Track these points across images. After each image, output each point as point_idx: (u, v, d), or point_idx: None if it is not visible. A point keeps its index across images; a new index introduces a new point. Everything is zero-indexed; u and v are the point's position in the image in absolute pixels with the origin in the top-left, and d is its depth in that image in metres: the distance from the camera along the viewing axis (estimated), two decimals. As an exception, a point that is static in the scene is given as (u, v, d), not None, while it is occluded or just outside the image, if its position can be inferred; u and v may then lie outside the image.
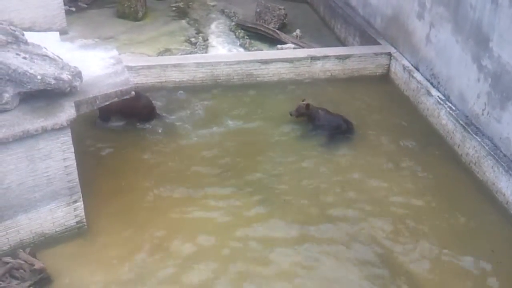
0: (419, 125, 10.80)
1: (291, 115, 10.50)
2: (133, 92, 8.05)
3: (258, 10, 15.47)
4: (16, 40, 7.36)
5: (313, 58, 12.20)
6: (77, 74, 7.38)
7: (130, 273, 7.26)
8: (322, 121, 10.34)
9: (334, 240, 7.92)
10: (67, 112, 7.04)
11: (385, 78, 12.54)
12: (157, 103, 10.84)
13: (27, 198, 7.10)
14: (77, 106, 7.30)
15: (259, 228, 8.09)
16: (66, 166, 7.23)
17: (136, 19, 15.23)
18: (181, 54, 13.09)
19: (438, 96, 10.62)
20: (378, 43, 12.87)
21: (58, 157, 7.11)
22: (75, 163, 7.30)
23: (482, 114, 9.41)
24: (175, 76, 11.59)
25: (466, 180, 9.24)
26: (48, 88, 7.03)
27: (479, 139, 9.24)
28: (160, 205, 8.43)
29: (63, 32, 10.64)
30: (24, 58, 7.11)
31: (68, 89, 7.22)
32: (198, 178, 9.04)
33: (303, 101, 10.52)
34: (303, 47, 13.54)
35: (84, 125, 9.70)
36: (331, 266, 7.50)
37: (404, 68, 11.90)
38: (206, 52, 13.69)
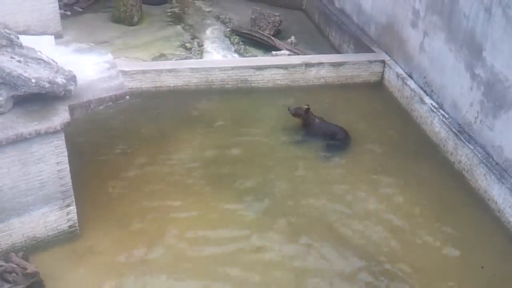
0: (412, 132, 10.85)
1: (288, 109, 10.58)
2: (127, 97, 8.06)
3: (253, 16, 15.51)
4: (10, 43, 7.35)
5: (308, 65, 12.25)
6: (72, 78, 7.37)
7: (122, 278, 7.24)
8: (317, 129, 10.39)
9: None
10: (61, 116, 7.02)
11: (378, 85, 12.60)
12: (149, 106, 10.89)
13: (19, 201, 7.07)
14: (71, 110, 7.28)
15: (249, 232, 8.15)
16: (59, 170, 7.21)
17: (131, 24, 15.20)
18: (176, 59, 13.10)
19: (431, 104, 10.68)
20: (372, 51, 12.93)
21: (51, 161, 7.09)
22: (68, 167, 7.29)
23: (475, 122, 9.47)
24: (169, 81, 11.60)
25: (458, 188, 9.28)
26: (43, 92, 7.02)
27: (472, 147, 9.30)
28: (153, 210, 8.41)
29: (58, 36, 10.56)
30: (19, 61, 7.10)
31: (63, 92, 7.21)
32: (192, 183, 9.04)
33: (306, 105, 10.56)
34: (298, 54, 13.58)
35: (77, 129, 9.67)
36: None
37: (398, 75, 11.97)
38: (201, 58, 13.69)
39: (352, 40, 13.99)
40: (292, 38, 14.97)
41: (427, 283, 7.43)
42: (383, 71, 12.58)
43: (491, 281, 7.50)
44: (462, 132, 9.72)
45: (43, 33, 10.79)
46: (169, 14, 16.40)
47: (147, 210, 8.40)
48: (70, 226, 7.66)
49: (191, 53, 13.83)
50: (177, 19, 16.15)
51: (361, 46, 13.43)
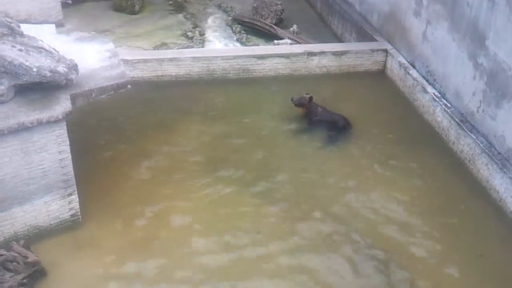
0: (414, 121, 10.84)
1: (292, 100, 10.54)
2: (129, 86, 8.04)
3: (255, 5, 15.44)
4: (11, 32, 7.34)
5: (310, 54, 12.20)
6: (73, 67, 7.36)
7: (124, 267, 7.27)
8: (319, 119, 10.39)
9: (324, 237, 7.97)
10: (62, 105, 7.02)
11: (381, 74, 12.55)
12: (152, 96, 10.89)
13: (21, 190, 7.09)
14: (73, 99, 7.28)
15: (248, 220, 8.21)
16: (61, 159, 7.22)
17: (132, 12, 15.17)
18: (177, 48, 13.06)
19: (433, 93, 10.65)
20: (375, 40, 12.87)
21: (53, 150, 7.10)
22: (70, 156, 7.29)
23: (477, 112, 9.44)
24: (171, 70, 11.57)
25: (460, 177, 9.27)
26: (44, 81, 7.01)
27: (474, 137, 9.28)
28: (155, 199, 8.43)
29: (59, 25, 10.57)
30: (20, 50, 7.09)
31: (64, 81, 7.21)
32: (192, 173, 9.03)
33: (307, 94, 10.54)
34: (300, 43, 13.52)
35: (80, 118, 9.67)
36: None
37: (400, 65, 11.92)
38: (202, 47, 13.65)
39: (354, 29, 13.93)
40: (294, 27, 14.90)
41: (427, 270, 7.46)
42: (386, 60, 12.53)
43: (491, 270, 7.52)
44: (465, 121, 9.69)
45: (44, 21, 10.78)
46: (171, 3, 16.30)
47: (148, 199, 8.41)
48: (72, 215, 7.68)
49: (192, 42, 13.79)
50: (179, 8, 16.07)
51: (363, 35, 13.37)
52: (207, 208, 8.32)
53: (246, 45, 13.84)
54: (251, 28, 14.81)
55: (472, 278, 7.39)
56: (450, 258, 7.67)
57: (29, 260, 6.94)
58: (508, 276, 7.44)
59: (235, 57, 11.89)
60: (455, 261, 7.63)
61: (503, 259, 7.70)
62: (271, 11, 15.11)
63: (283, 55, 12.13)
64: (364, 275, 7.37)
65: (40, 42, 7.49)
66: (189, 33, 14.25)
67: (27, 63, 6.89)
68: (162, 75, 11.55)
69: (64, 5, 13.99)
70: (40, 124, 6.81)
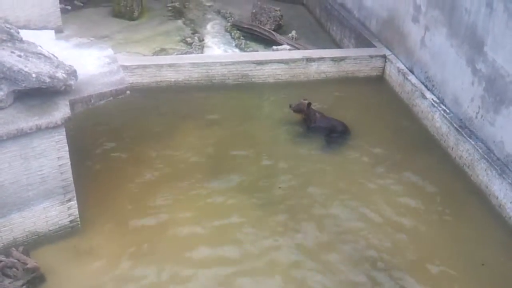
0: (413, 127, 10.84)
1: (290, 106, 10.56)
2: (128, 92, 8.05)
3: (254, 11, 15.49)
4: (11, 38, 7.35)
5: (308, 60, 12.23)
6: (72, 73, 7.36)
7: (123, 273, 7.25)
8: (318, 123, 10.40)
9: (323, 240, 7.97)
10: (61, 111, 7.02)
11: (379, 80, 12.58)
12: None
13: (20, 196, 7.08)
14: (72, 104, 7.28)
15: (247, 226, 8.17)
16: (60, 164, 7.21)
17: (131, 18, 15.20)
18: (176, 54, 13.08)
19: (432, 99, 10.67)
20: (373, 46, 12.91)
21: (52, 155, 7.09)
22: (69, 162, 7.28)
23: (476, 117, 9.45)
24: (170, 76, 11.58)
25: (459, 183, 9.27)
26: (43, 87, 7.01)
27: (473, 142, 9.29)
28: (155, 205, 8.41)
29: (58, 31, 10.61)
30: (19, 56, 7.10)
31: (63, 87, 7.21)
32: (192, 179, 9.02)
33: (305, 99, 10.57)
34: (299, 49, 13.56)
35: (79, 124, 9.67)
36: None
37: (399, 70, 11.95)
38: (201, 52, 13.68)
39: (353, 35, 13.97)
40: (293, 32, 14.95)
41: (427, 278, 7.44)
42: (384, 66, 12.56)
43: (491, 276, 7.50)
44: (463, 127, 9.71)
45: (44, 27, 10.82)
46: (170, 8, 16.36)
47: (148, 205, 8.40)
48: (71, 221, 7.67)
49: (191, 48, 13.81)
50: (178, 13, 16.12)
51: (362, 41, 13.41)
52: (207, 215, 8.29)
53: (245, 51, 13.87)
54: (250, 34, 14.85)
55: (473, 285, 7.38)
56: (450, 264, 7.64)
57: (28, 266, 6.93)
58: (509, 281, 7.44)
59: (234, 63, 11.92)
60: (455, 268, 7.59)
61: (503, 265, 7.68)
62: (270, 17, 15.17)
63: (282, 61, 12.15)
64: (361, 280, 7.35)
65: (39, 48, 7.50)
66: (188, 39, 14.28)
67: (26, 69, 6.89)
68: (161, 81, 11.56)
69: (63, 11, 14.06)
70: (39, 130, 6.81)
